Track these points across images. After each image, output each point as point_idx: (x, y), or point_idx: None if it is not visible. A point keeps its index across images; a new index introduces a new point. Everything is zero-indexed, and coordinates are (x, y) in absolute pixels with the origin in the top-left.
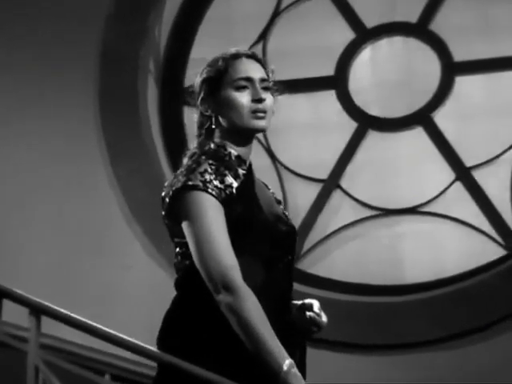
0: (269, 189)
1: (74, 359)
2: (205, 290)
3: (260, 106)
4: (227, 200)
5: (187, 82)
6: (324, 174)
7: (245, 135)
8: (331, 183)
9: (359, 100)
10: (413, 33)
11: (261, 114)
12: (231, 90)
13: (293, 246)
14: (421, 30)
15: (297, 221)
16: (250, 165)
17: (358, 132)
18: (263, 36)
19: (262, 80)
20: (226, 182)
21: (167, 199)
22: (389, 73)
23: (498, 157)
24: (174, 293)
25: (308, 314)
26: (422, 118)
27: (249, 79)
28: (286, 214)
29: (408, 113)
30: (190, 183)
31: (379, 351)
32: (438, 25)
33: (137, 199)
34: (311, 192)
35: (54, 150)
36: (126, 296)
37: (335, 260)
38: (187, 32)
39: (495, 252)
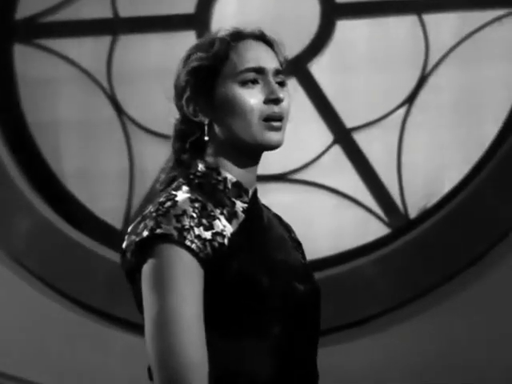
0: (284, 225)
1: None
2: None
3: (276, 108)
4: (217, 255)
5: (19, 14)
6: None
7: (250, 152)
8: None
9: None
10: None
11: (276, 124)
12: (234, 85)
13: (316, 314)
14: None
15: (145, 187)
16: (255, 194)
17: None
18: None
19: (277, 72)
20: (216, 228)
21: (128, 255)
22: (259, 13)
23: (384, 117)
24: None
25: None
26: (297, 69)
27: (260, 70)
28: (307, 263)
29: None
30: (159, 231)
31: None
32: None
33: None
34: (164, 153)
35: None
36: None
37: None
38: None
39: (377, 230)
